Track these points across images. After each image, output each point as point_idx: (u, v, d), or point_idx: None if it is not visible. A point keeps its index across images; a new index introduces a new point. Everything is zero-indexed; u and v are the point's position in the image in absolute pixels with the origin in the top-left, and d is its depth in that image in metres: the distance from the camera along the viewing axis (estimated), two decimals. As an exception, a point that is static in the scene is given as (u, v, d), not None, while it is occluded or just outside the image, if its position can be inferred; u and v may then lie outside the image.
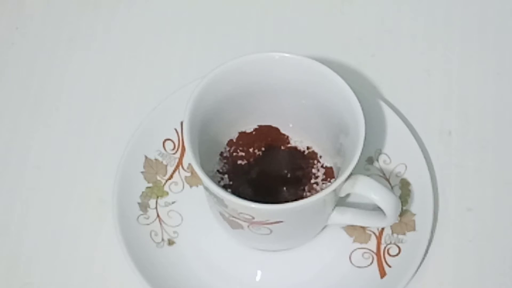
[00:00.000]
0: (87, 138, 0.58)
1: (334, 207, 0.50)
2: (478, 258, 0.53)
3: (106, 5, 0.63)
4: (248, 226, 0.47)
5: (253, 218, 0.46)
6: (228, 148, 0.54)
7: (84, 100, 0.59)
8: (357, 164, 0.54)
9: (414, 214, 0.53)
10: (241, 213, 0.46)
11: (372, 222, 0.51)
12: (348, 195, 0.49)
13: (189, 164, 0.54)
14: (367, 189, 0.47)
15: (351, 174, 0.46)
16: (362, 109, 0.47)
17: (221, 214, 0.49)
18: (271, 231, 0.47)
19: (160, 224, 0.53)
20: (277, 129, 0.54)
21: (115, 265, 0.52)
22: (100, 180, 0.55)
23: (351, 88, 0.47)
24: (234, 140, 0.54)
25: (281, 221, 0.46)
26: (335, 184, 0.45)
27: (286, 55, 0.49)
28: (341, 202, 0.51)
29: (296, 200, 0.45)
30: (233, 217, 0.47)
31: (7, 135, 0.58)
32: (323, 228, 0.52)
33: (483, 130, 0.57)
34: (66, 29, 0.62)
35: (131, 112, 0.58)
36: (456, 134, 0.57)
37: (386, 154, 0.55)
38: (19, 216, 0.55)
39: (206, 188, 0.47)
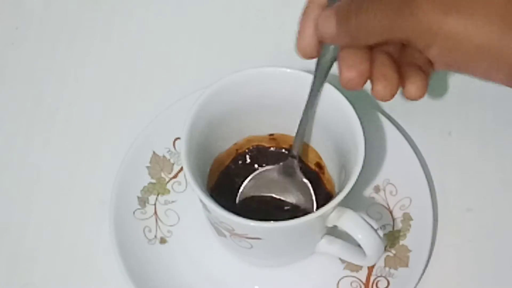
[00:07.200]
0: (87, 138, 0.57)
1: (323, 235, 0.49)
2: (478, 258, 0.52)
3: (106, 5, 0.63)
4: (230, 236, 0.47)
5: (233, 229, 0.46)
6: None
7: (85, 100, 0.59)
8: (363, 191, 0.54)
9: (410, 251, 0.51)
10: (222, 222, 0.46)
11: (355, 259, 0.49)
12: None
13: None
14: (351, 225, 0.46)
15: (339, 206, 0.45)
16: (364, 133, 0.45)
17: (208, 219, 0.49)
18: (251, 246, 0.47)
19: (156, 221, 0.53)
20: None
21: (115, 265, 0.51)
22: (100, 181, 0.55)
23: (356, 108, 0.46)
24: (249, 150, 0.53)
25: (260, 238, 0.46)
26: (318, 212, 0.44)
27: (287, 70, 0.48)
28: (333, 232, 0.49)
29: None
30: (217, 224, 0.47)
31: (7, 135, 0.58)
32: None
33: (483, 130, 0.56)
34: (66, 29, 0.62)
35: (131, 112, 0.58)
36: (456, 134, 0.56)
37: (393, 185, 0.53)
38: (19, 216, 0.55)
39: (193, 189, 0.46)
